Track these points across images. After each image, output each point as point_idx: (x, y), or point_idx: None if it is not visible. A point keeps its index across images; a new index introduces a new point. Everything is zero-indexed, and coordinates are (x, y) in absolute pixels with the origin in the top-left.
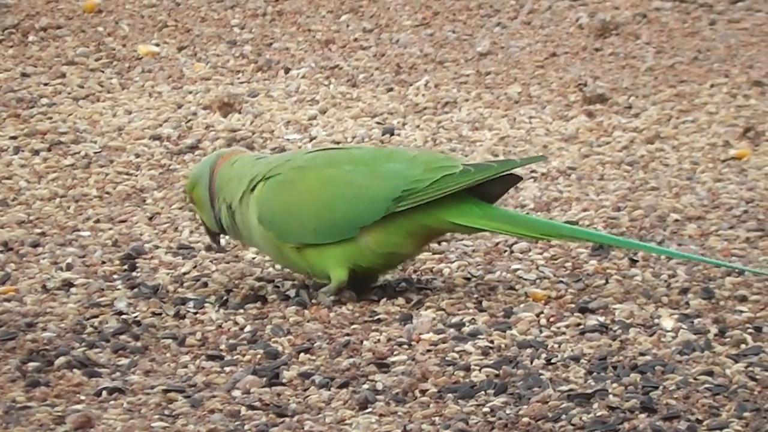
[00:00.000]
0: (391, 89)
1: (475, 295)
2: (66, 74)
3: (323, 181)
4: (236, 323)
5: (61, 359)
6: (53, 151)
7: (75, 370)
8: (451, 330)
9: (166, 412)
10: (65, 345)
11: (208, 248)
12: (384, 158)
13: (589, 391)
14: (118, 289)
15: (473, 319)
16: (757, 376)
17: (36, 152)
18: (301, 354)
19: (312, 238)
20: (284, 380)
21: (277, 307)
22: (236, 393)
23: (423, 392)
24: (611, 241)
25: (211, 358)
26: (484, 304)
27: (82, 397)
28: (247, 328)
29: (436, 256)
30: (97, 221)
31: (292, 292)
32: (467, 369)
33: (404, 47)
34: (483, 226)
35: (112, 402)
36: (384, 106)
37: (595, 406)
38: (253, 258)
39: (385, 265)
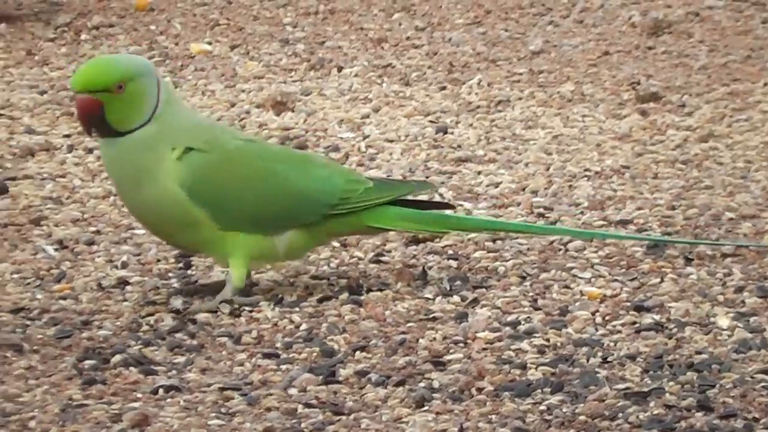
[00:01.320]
0: (443, 88)
1: (531, 294)
2: None
3: (267, 174)
4: (292, 321)
5: (118, 357)
6: None
7: (131, 368)
8: (507, 328)
9: (223, 410)
10: (121, 343)
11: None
12: (309, 162)
13: (646, 389)
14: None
15: (529, 317)
16: None
17: (89, 150)
18: (357, 352)
19: (245, 227)
20: (340, 378)
21: (332, 305)
22: (292, 391)
23: (479, 390)
24: (525, 229)
25: (267, 356)
26: (540, 302)
27: (139, 395)
28: (303, 326)
29: (491, 255)
30: None
31: (345, 292)
32: (523, 367)
33: (457, 46)
34: (395, 227)
35: (168, 400)
36: (437, 105)
37: (652, 404)
38: (308, 256)
39: (283, 261)
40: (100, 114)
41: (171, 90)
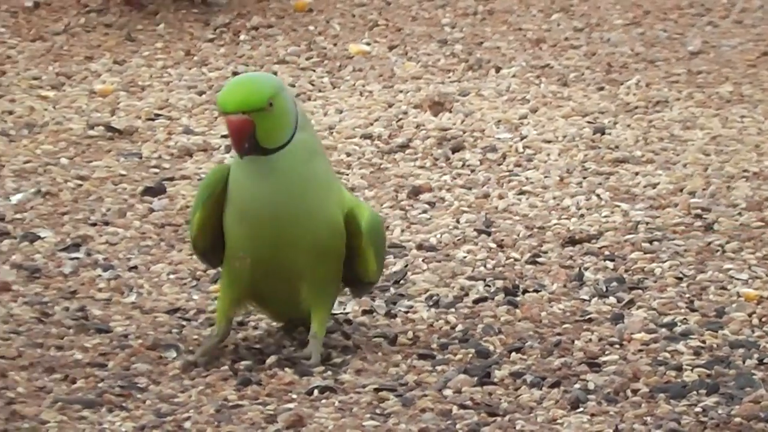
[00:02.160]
0: (601, 88)
1: (687, 295)
2: (277, 73)
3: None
4: (447, 322)
5: (272, 358)
6: None
7: (286, 368)
8: (663, 330)
9: (378, 411)
10: (276, 343)
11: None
12: None
13: None
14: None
15: (685, 318)
16: None
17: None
18: (513, 353)
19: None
20: (495, 379)
21: (488, 306)
22: (447, 392)
23: (635, 392)
24: None
25: (422, 357)
26: (696, 303)
27: (294, 396)
28: (459, 327)
29: (648, 256)
30: None
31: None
32: (679, 369)
33: (615, 46)
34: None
35: (323, 401)
36: (595, 106)
37: None
38: (464, 257)
39: None
40: (253, 133)
41: (298, 101)
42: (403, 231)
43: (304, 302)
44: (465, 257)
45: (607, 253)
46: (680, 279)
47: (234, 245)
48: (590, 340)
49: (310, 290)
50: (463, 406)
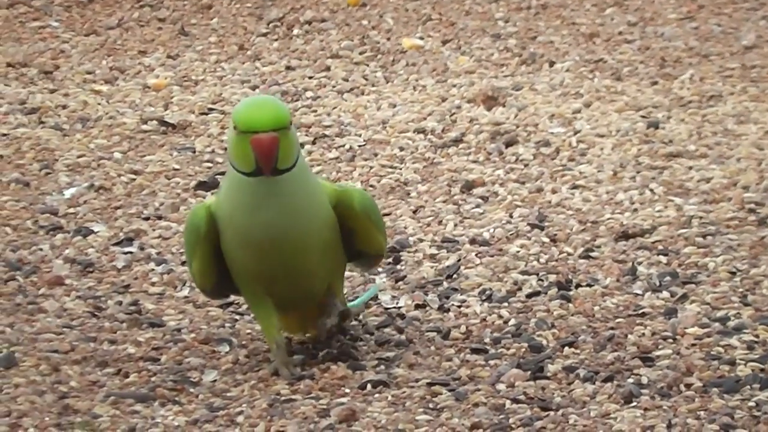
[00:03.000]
0: (655, 83)
1: (740, 289)
2: (330, 67)
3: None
4: (500, 317)
5: (325, 352)
6: (318, 144)
7: (339, 363)
8: (716, 324)
9: (431, 405)
10: (329, 338)
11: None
12: None
13: None
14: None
15: (738, 313)
16: None
17: (301, 145)
18: (566, 347)
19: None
20: (548, 374)
21: (541, 300)
22: (500, 386)
23: (688, 386)
24: None
25: (475, 351)
26: (749, 298)
27: (347, 390)
28: (512, 322)
29: (701, 250)
30: None
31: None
32: (732, 363)
33: (669, 40)
34: None
35: (376, 395)
36: (648, 100)
37: None
38: (517, 252)
39: None
40: (278, 151)
41: None
42: (456, 225)
43: (319, 292)
44: (518, 251)
45: (660, 247)
46: (733, 273)
47: (240, 269)
48: (643, 334)
49: (322, 280)
50: (516, 401)
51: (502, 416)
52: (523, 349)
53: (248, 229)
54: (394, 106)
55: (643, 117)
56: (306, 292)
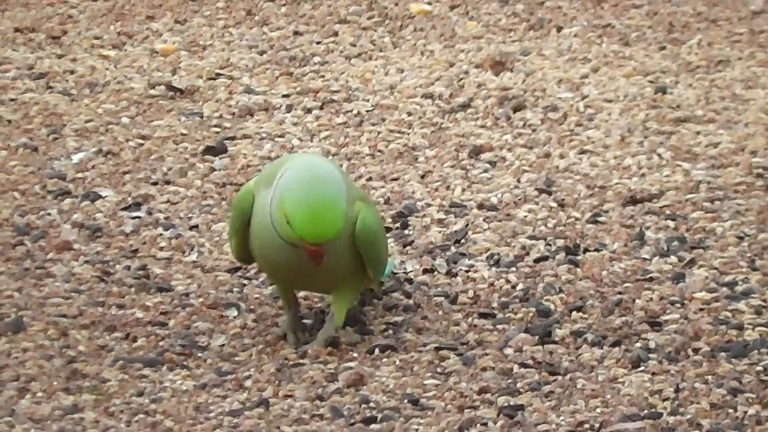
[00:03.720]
0: (663, 48)
1: (749, 254)
2: (338, 33)
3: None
4: (508, 281)
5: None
6: (325, 110)
7: (347, 327)
8: (724, 289)
9: (438, 369)
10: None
11: None
12: None
13: None
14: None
15: (746, 278)
16: None
17: (308, 110)
18: (573, 312)
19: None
20: (556, 338)
21: (549, 265)
22: (508, 351)
23: (696, 351)
24: None
25: (483, 316)
26: (758, 263)
27: (355, 355)
28: (519, 287)
29: (709, 215)
30: (369, 179)
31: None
32: (740, 328)
33: (677, 6)
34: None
35: (384, 360)
36: (656, 65)
37: None
38: (525, 216)
39: None
40: None
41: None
42: (463, 190)
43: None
44: (526, 216)
45: (668, 212)
46: (741, 238)
47: (259, 262)
48: (651, 299)
49: (338, 289)
50: (524, 365)
51: (509, 380)
52: (531, 314)
53: (271, 258)
54: (402, 71)
55: (650, 82)
56: (322, 292)
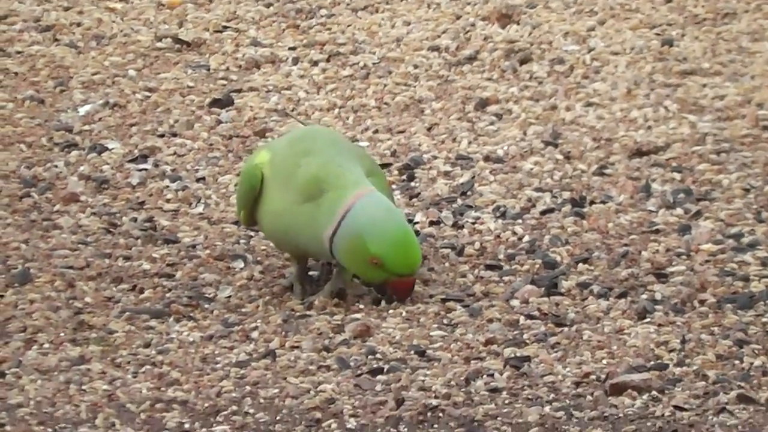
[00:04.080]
0: (669, 0)
1: (755, 206)
2: None
3: None
4: (515, 233)
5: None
6: (332, 62)
7: (354, 279)
8: (730, 240)
9: (445, 321)
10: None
11: None
12: None
13: None
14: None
15: (752, 230)
16: None
17: (315, 63)
18: (580, 264)
19: None
20: (563, 290)
21: (555, 217)
22: (514, 302)
23: (702, 302)
24: None
25: (489, 267)
26: (764, 215)
27: (361, 306)
28: (526, 238)
29: (716, 167)
30: (376, 131)
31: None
32: (746, 279)
33: None
34: None
35: (390, 311)
36: (663, 18)
37: None
38: (531, 169)
39: None
40: None
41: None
42: (470, 143)
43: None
44: (532, 169)
45: (674, 164)
46: (747, 190)
47: (265, 233)
48: (657, 251)
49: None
50: (530, 317)
51: (516, 332)
52: (537, 266)
53: (282, 233)
54: (409, 23)
55: (657, 35)
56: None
